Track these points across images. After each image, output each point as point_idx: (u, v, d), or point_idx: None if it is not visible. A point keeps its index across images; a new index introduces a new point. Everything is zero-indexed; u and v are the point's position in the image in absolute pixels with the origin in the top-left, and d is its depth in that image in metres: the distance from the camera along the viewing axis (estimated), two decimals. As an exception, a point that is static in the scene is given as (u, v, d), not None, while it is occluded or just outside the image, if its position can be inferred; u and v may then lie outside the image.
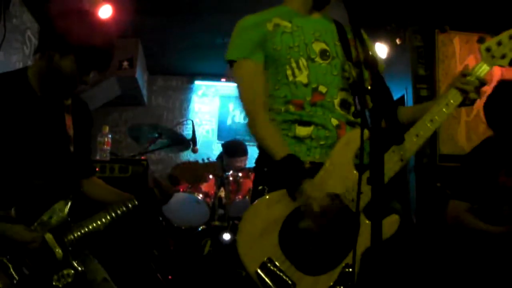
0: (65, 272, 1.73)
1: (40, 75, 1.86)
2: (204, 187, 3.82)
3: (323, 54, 1.75)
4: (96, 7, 3.99)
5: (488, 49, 1.69)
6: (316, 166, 1.62)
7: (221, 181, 3.93)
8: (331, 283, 1.49)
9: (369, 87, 1.23)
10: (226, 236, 3.54)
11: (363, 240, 1.40)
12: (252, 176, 3.85)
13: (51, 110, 1.89)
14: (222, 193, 3.92)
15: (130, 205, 1.87)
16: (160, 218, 3.92)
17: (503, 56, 1.69)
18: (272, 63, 1.76)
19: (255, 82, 1.74)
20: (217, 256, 3.53)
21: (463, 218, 2.45)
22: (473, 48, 4.39)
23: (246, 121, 1.76)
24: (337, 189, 1.55)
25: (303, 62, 1.72)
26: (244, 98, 1.75)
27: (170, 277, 3.68)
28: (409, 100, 4.44)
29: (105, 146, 3.71)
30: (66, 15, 1.83)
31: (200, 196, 3.77)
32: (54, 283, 1.71)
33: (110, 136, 3.79)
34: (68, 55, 1.79)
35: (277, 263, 1.50)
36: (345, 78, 1.74)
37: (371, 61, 1.27)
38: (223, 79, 6.36)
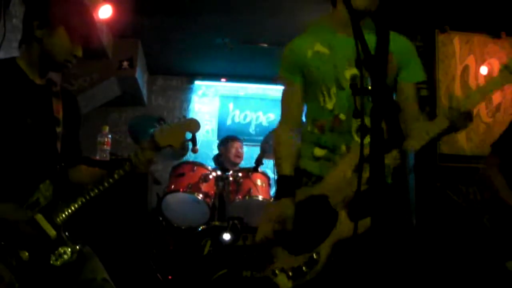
0: (61, 250, 1.74)
1: (34, 60, 1.87)
2: (204, 187, 3.82)
3: (354, 80, 1.92)
4: (96, 7, 4.00)
5: (507, 67, 1.69)
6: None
7: (221, 181, 3.93)
8: (302, 263, 1.82)
9: (369, 87, 1.23)
10: (226, 236, 3.53)
11: (337, 233, 1.77)
12: (252, 176, 3.85)
13: (38, 94, 1.90)
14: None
15: (116, 175, 1.87)
16: (160, 218, 3.92)
17: None
18: (310, 85, 2.01)
19: (290, 102, 2.05)
20: (217, 256, 3.52)
21: (491, 174, 2.50)
22: (473, 48, 4.39)
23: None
24: (328, 191, 1.85)
25: (333, 90, 1.95)
26: (281, 111, 2.10)
27: (170, 277, 3.69)
28: (409, 100, 4.44)
29: (105, 146, 3.72)
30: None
31: (200, 196, 3.77)
32: (51, 262, 1.72)
33: (110, 136, 3.79)
34: (57, 28, 1.83)
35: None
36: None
37: (371, 61, 1.27)
38: (223, 79, 6.36)
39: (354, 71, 1.91)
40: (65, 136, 1.94)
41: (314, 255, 1.80)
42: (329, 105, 1.95)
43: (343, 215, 1.80)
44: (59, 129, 1.92)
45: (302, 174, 1.99)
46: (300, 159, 2.01)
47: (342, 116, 1.93)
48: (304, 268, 1.81)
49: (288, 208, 1.90)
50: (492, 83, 1.70)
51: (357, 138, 1.91)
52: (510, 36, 4.37)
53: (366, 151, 1.20)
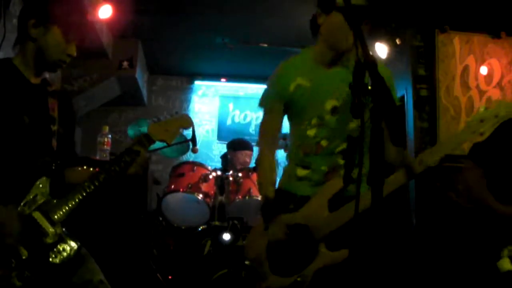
0: (59, 247, 1.74)
1: (30, 59, 1.87)
2: (204, 187, 3.82)
3: (334, 111, 2.05)
4: (96, 7, 4.00)
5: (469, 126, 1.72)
6: (305, 199, 2.03)
7: (221, 181, 3.93)
8: (287, 284, 1.96)
9: (369, 87, 1.23)
10: (226, 236, 3.54)
11: (320, 261, 1.91)
12: (252, 176, 3.85)
13: (34, 93, 1.89)
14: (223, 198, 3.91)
15: (112, 169, 1.87)
16: (160, 218, 3.92)
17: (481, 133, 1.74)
18: (293, 115, 2.15)
19: (270, 128, 2.19)
20: (217, 256, 3.53)
21: (477, 188, 2.44)
22: (473, 48, 4.39)
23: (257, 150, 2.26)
24: (309, 222, 1.95)
25: (314, 120, 2.07)
26: (259, 138, 2.25)
27: (170, 277, 3.69)
28: (409, 100, 4.44)
29: (105, 146, 3.73)
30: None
31: (200, 196, 3.77)
32: (51, 260, 1.71)
33: (110, 136, 3.80)
34: (52, 27, 1.83)
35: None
36: (349, 129, 2.03)
37: (371, 61, 1.27)
38: (223, 79, 6.36)
39: (334, 102, 2.04)
40: (60, 134, 1.94)
41: (298, 278, 1.92)
42: (311, 133, 2.07)
43: (323, 245, 1.91)
44: (54, 127, 1.92)
45: (287, 195, 2.09)
46: (286, 180, 2.15)
47: (323, 143, 2.06)
48: None
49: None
50: (451, 144, 1.79)
51: (340, 160, 2.03)
52: (510, 36, 4.37)
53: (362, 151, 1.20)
